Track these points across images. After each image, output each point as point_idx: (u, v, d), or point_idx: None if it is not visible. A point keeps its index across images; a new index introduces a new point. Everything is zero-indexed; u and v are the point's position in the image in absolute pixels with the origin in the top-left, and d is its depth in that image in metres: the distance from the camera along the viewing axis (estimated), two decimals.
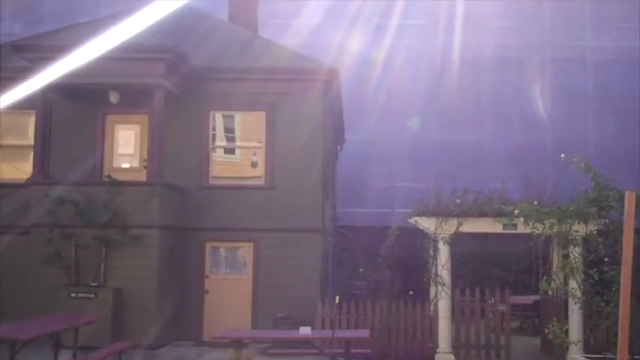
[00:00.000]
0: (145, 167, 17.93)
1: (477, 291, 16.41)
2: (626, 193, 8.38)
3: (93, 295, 15.88)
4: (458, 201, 16.11)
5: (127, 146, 18.42)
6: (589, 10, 29.01)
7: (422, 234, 16.76)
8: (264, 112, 18.45)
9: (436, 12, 29.06)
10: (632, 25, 26.19)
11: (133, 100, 17.54)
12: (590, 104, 28.16)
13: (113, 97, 17.73)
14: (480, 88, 28.18)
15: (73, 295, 15.84)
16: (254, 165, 18.62)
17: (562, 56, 28.36)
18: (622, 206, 8.47)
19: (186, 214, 17.92)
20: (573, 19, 28.99)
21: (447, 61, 28.38)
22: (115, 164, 18.49)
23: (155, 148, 17.04)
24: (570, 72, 28.04)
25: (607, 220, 14.12)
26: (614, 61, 27.86)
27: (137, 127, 18.40)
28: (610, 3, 28.31)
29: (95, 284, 16.19)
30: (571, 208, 14.46)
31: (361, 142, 27.67)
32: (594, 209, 14.25)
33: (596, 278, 13.04)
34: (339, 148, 25.87)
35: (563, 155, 13.55)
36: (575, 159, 13.38)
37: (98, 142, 18.40)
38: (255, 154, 18.64)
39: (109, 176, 17.10)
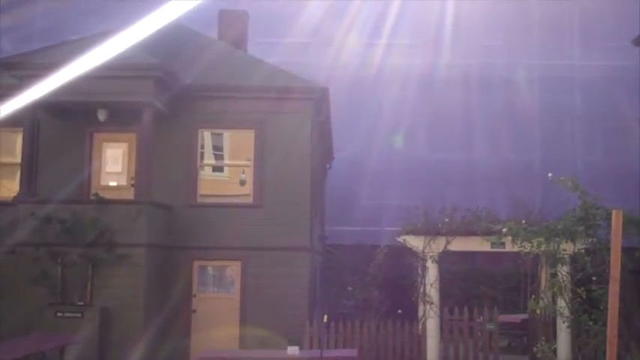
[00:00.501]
0: (132, 185, 17.86)
1: (466, 310, 16.38)
2: (613, 212, 8.38)
3: (79, 315, 15.75)
4: (446, 219, 16.12)
5: (114, 164, 18.36)
6: (577, 28, 29.22)
7: (410, 252, 16.76)
8: (253, 130, 18.45)
9: (425, 31, 29.19)
10: (619, 43, 26.30)
11: (122, 118, 17.52)
12: (578, 123, 28.29)
13: (101, 115, 17.68)
14: (469, 107, 28.27)
15: (59, 314, 15.71)
16: (242, 183, 18.59)
17: (550, 75, 28.50)
18: (609, 225, 8.47)
19: (173, 232, 17.85)
20: (561, 38, 29.17)
21: (436, 79, 28.47)
22: (103, 182, 18.41)
23: (143, 167, 16.99)
24: (558, 91, 28.17)
25: (594, 239, 14.16)
26: (601, 79, 28.00)
27: (125, 145, 18.35)
28: (598, 22, 28.50)
29: (82, 303, 16.07)
30: (559, 227, 14.49)
31: (350, 161, 27.65)
32: (582, 228, 14.28)
33: (584, 297, 13.06)
34: (328, 166, 25.87)
35: (550, 174, 13.60)
36: (562, 177, 13.43)
37: (86, 160, 18.33)
38: (243, 172, 18.62)
39: (96, 194, 17.03)
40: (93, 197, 17.09)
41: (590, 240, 14.33)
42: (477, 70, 28.77)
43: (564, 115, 28.01)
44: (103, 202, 16.63)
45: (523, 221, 14.97)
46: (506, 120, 27.97)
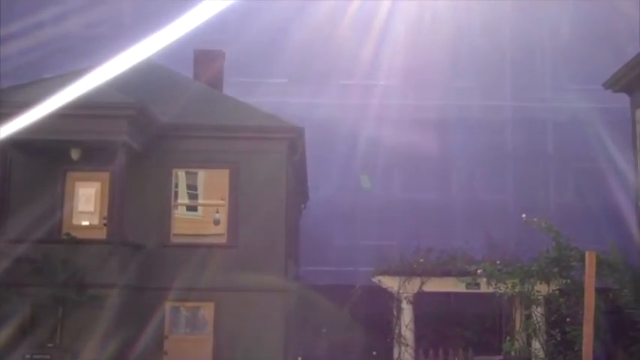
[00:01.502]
0: (105, 225, 17.64)
1: (441, 351, 16.29)
2: (587, 254, 8.40)
3: (48, 357, 15.47)
4: (421, 260, 16.13)
5: (87, 204, 18.16)
6: (549, 71, 29.60)
7: (385, 293, 16.69)
8: (227, 170, 18.37)
9: (401, 72, 29.43)
10: (590, 86, 26.68)
11: (95, 157, 17.37)
12: (551, 164, 28.53)
13: (75, 154, 17.53)
14: (444, 148, 28.41)
15: (27, 356, 15.40)
16: (217, 222, 18.46)
17: (523, 116, 28.79)
18: (583, 266, 8.50)
19: (146, 272, 17.60)
20: (533, 80, 29.54)
21: (411, 121, 28.60)
22: (75, 221, 18.18)
23: (115, 206, 16.83)
24: (531, 132, 28.45)
25: (568, 280, 14.20)
26: (573, 121, 28.33)
27: (98, 184, 18.16)
28: (569, 64, 28.90)
29: (51, 345, 15.75)
30: (533, 268, 14.54)
31: (325, 200, 27.59)
32: (556, 269, 14.34)
33: (559, 339, 13.04)
34: (303, 205, 25.80)
35: (524, 215, 13.67)
36: (536, 219, 13.50)
37: (58, 199, 18.11)
38: (217, 212, 18.50)
39: (67, 234, 16.82)
40: (64, 237, 16.88)
41: (564, 281, 14.37)
42: (451, 111, 28.98)
43: (537, 156, 28.25)
44: (74, 241, 16.42)
45: (498, 262, 15.00)
46: (480, 161, 28.13)
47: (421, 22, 29.33)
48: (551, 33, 29.68)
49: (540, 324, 14.10)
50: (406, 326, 15.72)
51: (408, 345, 15.61)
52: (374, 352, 17.35)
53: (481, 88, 29.41)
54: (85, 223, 18.20)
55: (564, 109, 28.78)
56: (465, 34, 29.40)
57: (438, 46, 29.33)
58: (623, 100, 18.11)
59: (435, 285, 15.91)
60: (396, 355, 15.91)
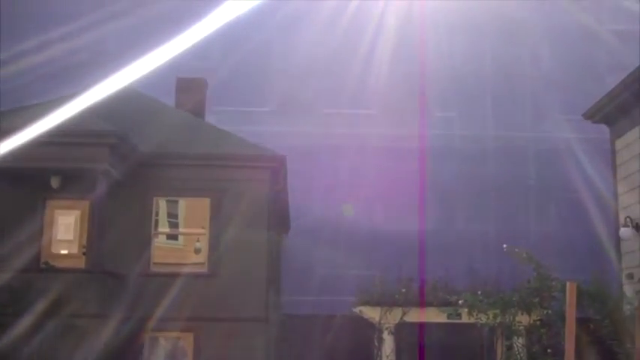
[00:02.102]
0: (84, 254, 17.46)
1: None
2: (568, 284, 8.38)
3: None
4: (403, 290, 16.06)
5: (66, 232, 17.96)
6: (530, 101, 29.84)
7: (367, 323, 16.59)
8: (208, 198, 18.27)
9: (383, 102, 29.54)
10: (571, 116, 26.90)
11: (75, 185, 17.23)
12: (532, 193, 28.65)
13: (54, 182, 17.40)
14: (426, 178, 28.47)
15: None
16: (197, 251, 18.33)
17: (504, 146, 28.96)
18: (564, 296, 8.48)
19: (125, 301, 17.34)
20: (515, 110, 29.76)
21: (394, 150, 28.69)
22: (54, 250, 17.98)
23: (95, 235, 16.69)
24: (512, 162, 28.60)
25: (549, 311, 14.19)
26: (554, 151, 28.51)
27: (77, 212, 18.00)
28: (550, 94, 29.16)
29: None
30: (514, 298, 14.52)
31: (307, 229, 27.51)
32: (537, 299, 14.32)
33: None
34: (284, 234, 25.69)
35: (505, 245, 13.68)
36: (517, 249, 13.50)
37: (37, 227, 17.88)
38: (198, 241, 18.38)
39: (46, 263, 16.63)
40: (43, 266, 16.68)
41: (545, 312, 14.36)
42: (433, 141, 29.08)
43: (518, 185, 28.37)
44: (53, 270, 16.23)
45: (479, 292, 14.97)
46: (461, 190, 28.21)
47: (403, 51, 29.55)
48: (532, 63, 30.01)
49: (522, 355, 14.04)
50: (387, 357, 15.62)
51: None
52: None
53: (463, 118, 29.60)
54: (65, 251, 18.00)
55: (545, 138, 29.00)
56: (447, 63, 29.65)
57: (420, 76, 29.52)
58: (604, 129, 18.27)
59: (417, 315, 15.84)
60: None
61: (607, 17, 30.97)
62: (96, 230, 16.71)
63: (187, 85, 22.51)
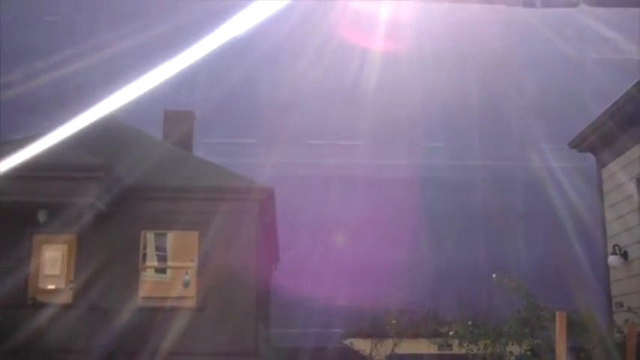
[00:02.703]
0: (71, 289, 17.30)
1: None
2: (557, 314, 8.39)
3: None
4: (393, 321, 15.97)
5: (53, 267, 17.80)
6: (517, 130, 30.04)
7: (357, 355, 16.48)
8: (197, 232, 18.18)
9: (371, 132, 29.66)
10: (556, 145, 27.08)
11: (62, 219, 17.09)
12: (520, 222, 28.72)
13: (41, 216, 17.27)
14: (414, 208, 28.52)
15: None
16: (186, 285, 18.18)
17: (491, 175, 29.08)
18: (554, 326, 8.48)
19: (113, 336, 17.19)
20: (502, 139, 29.94)
21: (381, 180, 28.76)
22: (41, 285, 17.78)
23: (82, 270, 16.56)
24: (500, 191, 28.70)
25: (540, 341, 14.13)
26: (540, 180, 28.65)
27: (65, 247, 17.85)
28: (535, 123, 29.38)
29: None
30: (504, 329, 14.45)
31: (296, 261, 27.41)
32: (527, 329, 14.26)
33: None
34: (273, 266, 25.58)
35: (494, 275, 13.65)
36: (506, 279, 13.48)
37: (24, 262, 17.72)
38: (187, 274, 18.24)
39: (33, 298, 16.47)
40: (29, 301, 16.51)
41: (535, 341, 14.30)
42: (419, 172, 29.18)
43: (507, 214, 28.45)
44: (40, 306, 16.07)
45: (469, 322, 14.91)
46: (450, 220, 28.26)
47: (390, 81, 29.76)
48: (518, 93, 30.26)
49: None
50: None
51: None
52: None
53: (450, 148, 29.76)
54: (52, 286, 17.82)
55: (532, 167, 29.16)
56: (434, 94, 29.87)
57: (408, 106, 29.73)
58: (591, 158, 18.37)
59: (408, 347, 15.76)
60: None
61: (590, 47, 31.36)
62: (83, 265, 16.60)
63: (175, 117, 22.55)
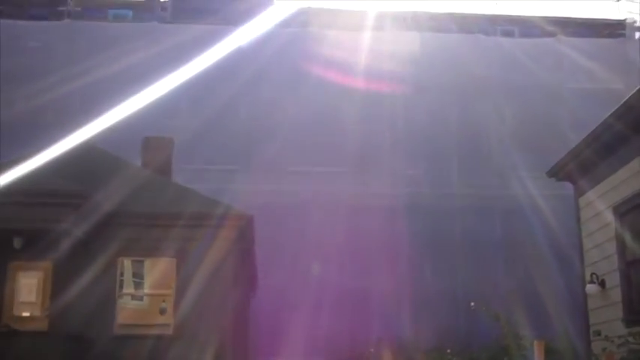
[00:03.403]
0: (47, 316, 17.09)
1: None
2: (535, 343, 8.39)
3: None
4: (372, 350, 15.91)
5: (28, 294, 17.58)
6: (496, 158, 30.19)
7: None
8: (174, 259, 18.08)
9: (351, 160, 29.69)
10: (535, 173, 27.25)
11: (38, 246, 16.94)
12: (499, 251, 28.75)
13: (17, 243, 17.11)
14: (394, 235, 28.48)
15: None
16: (163, 312, 18.03)
17: (471, 203, 29.15)
18: (533, 354, 8.47)
19: None
20: (481, 168, 30.06)
21: (363, 208, 28.71)
22: (16, 312, 17.55)
23: (58, 297, 16.37)
24: (479, 219, 28.75)
25: None
26: (520, 208, 28.74)
27: (40, 274, 17.64)
28: (515, 152, 29.54)
29: None
30: (483, 357, 14.45)
31: (275, 289, 27.25)
32: (506, 358, 14.25)
33: None
34: (251, 294, 25.42)
35: (472, 303, 13.65)
36: (484, 307, 13.48)
37: None
38: (164, 301, 18.10)
39: (6, 325, 16.25)
40: (3, 329, 16.28)
41: None
42: (402, 199, 29.19)
43: (486, 243, 28.48)
44: (14, 333, 15.85)
45: (448, 351, 14.88)
46: (429, 248, 28.21)
47: (371, 109, 29.87)
48: (497, 121, 30.45)
49: None
50: None
51: None
52: None
53: (430, 176, 29.82)
54: (27, 314, 17.59)
55: (511, 196, 29.27)
56: (415, 121, 30.00)
57: (388, 133, 29.83)
58: (569, 186, 18.48)
59: None
60: None
61: (568, 76, 31.71)
62: (59, 292, 16.41)
63: (154, 144, 22.50)
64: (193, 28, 30.76)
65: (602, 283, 15.28)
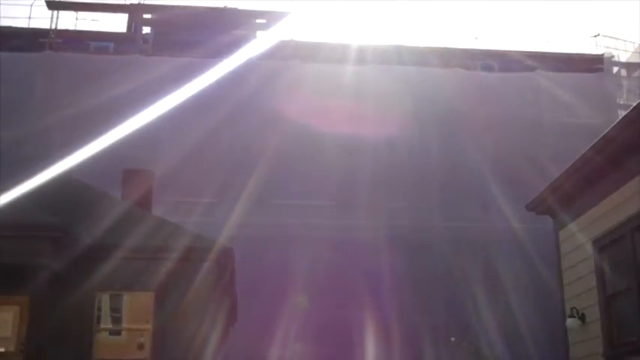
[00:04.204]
0: (21, 351, 16.80)
1: None
2: None
3: None
4: None
5: (4, 329, 17.27)
6: (477, 192, 30.28)
7: None
8: (153, 293, 17.87)
9: (333, 193, 29.70)
10: (515, 206, 27.36)
11: (14, 280, 16.70)
12: (481, 284, 28.73)
13: None
14: (376, 269, 28.42)
15: None
16: (141, 347, 17.79)
17: (451, 237, 29.18)
18: None
19: None
20: (461, 201, 30.14)
21: (345, 241, 28.65)
22: None
23: (34, 332, 16.12)
24: (460, 252, 28.77)
25: None
26: (502, 242, 28.81)
27: (16, 308, 17.37)
28: (496, 185, 29.67)
29: None
30: None
31: (256, 321, 27.06)
32: None
33: None
34: (231, 326, 25.19)
35: (453, 339, 13.60)
36: (464, 342, 13.43)
37: None
38: (142, 336, 17.86)
39: None
40: None
41: None
42: (383, 232, 29.18)
43: (467, 276, 28.46)
44: None
45: None
46: (410, 281, 28.15)
47: (353, 141, 29.98)
48: (478, 154, 30.61)
49: None
50: None
51: None
52: None
53: (412, 209, 29.86)
54: (1, 349, 17.28)
55: (492, 229, 29.34)
56: (396, 155, 30.12)
57: (370, 166, 29.90)
58: (550, 219, 18.54)
59: None
60: None
61: (548, 110, 32.02)
62: (35, 327, 16.16)
63: (133, 176, 22.38)
64: (175, 61, 30.82)
65: (582, 317, 15.31)
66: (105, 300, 18.12)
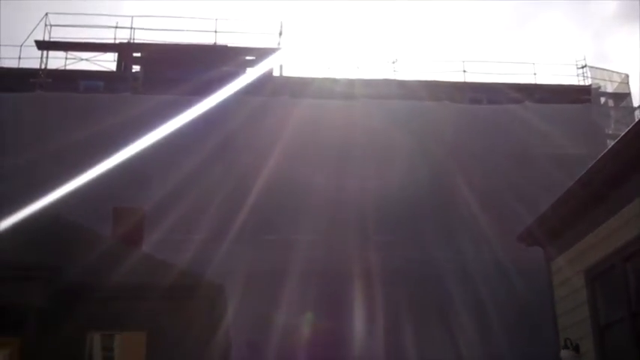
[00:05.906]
0: None
1: None
2: None
3: None
4: None
5: None
6: (466, 223, 30.33)
7: None
8: (145, 332, 17.75)
9: (323, 227, 29.69)
10: (506, 237, 27.44)
11: (5, 322, 16.54)
12: (474, 315, 28.68)
13: None
14: (368, 300, 28.38)
15: None
16: None
17: (442, 268, 29.18)
18: None
19: None
20: (451, 233, 30.19)
21: (337, 273, 28.63)
22: None
23: None
24: (452, 284, 28.75)
25: None
26: (492, 273, 28.81)
27: (7, 351, 17.20)
28: (485, 217, 29.74)
29: None
30: None
31: (248, 357, 26.91)
32: None
33: None
34: None
35: None
36: None
37: None
38: None
39: None
40: None
41: None
42: (373, 264, 29.16)
43: (460, 307, 28.42)
44: None
45: None
46: (403, 312, 28.12)
47: (341, 175, 30.07)
48: (467, 185, 30.73)
49: None
50: None
51: None
52: None
53: (402, 241, 29.88)
54: None
55: (483, 260, 29.37)
56: (386, 188, 30.19)
57: (360, 200, 29.96)
58: (540, 251, 18.54)
59: None
60: None
61: (535, 141, 32.22)
62: None
63: (124, 214, 22.30)
64: (165, 98, 30.95)
65: (576, 348, 15.22)
66: (96, 340, 17.98)
